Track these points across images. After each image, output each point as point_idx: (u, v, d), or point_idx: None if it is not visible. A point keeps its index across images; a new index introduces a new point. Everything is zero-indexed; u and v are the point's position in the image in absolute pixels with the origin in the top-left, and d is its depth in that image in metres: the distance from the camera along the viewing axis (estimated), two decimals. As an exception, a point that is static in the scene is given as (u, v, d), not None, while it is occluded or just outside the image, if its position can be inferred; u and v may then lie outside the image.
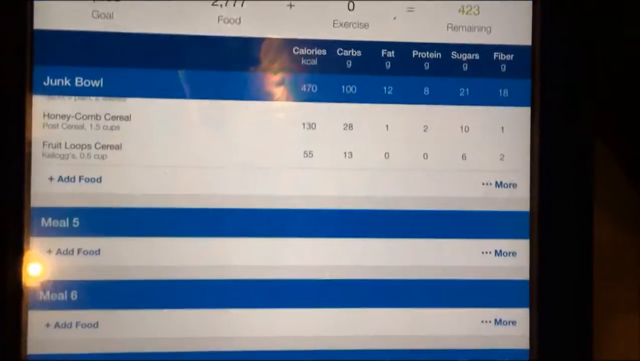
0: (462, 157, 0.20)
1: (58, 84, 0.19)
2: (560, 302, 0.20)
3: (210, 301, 0.19)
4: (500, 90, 0.20)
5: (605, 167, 0.20)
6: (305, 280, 0.19)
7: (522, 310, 0.20)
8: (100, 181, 0.19)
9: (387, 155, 0.20)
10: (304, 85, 0.19)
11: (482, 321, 0.20)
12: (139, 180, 0.19)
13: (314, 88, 0.19)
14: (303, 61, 0.19)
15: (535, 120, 0.20)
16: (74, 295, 0.19)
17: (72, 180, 0.19)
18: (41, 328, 0.19)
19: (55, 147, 0.19)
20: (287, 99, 0.19)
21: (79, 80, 0.19)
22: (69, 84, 0.19)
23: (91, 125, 0.19)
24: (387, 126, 0.20)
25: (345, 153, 0.20)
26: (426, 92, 0.20)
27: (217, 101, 0.19)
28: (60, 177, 0.19)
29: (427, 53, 0.20)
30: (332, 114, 0.20)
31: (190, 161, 0.19)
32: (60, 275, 0.19)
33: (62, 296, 0.19)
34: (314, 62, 0.19)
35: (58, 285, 0.19)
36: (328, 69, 0.19)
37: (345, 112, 0.20)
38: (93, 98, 0.19)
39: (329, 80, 0.19)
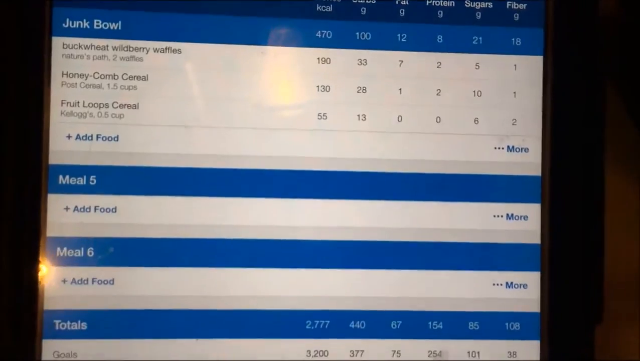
0: (475, 121, 0.20)
1: (77, 25, 0.19)
2: (571, 266, 0.20)
3: (225, 260, 0.19)
4: (513, 39, 0.20)
5: (618, 126, 0.20)
6: (318, 241, 0.20)
7: (533, 273, 0.20)
8: (117, 140, 0.19)
9: (400, 118, 0.20)
10: (319, 32, 0.19)
11: (494, 284, 0.20)
12: (155, 139, 0.19)
13: (329, 34, 0.19)
14: (319, 7, 0.20)
15: (547, 68, 0.20)
16: (90, 252, 0.19)
17: (90, 138, 0.19)
18: (58, 284, 0.19)
19: (73, 106, 0.19)
20: (302, 45, 0.20)
21: (97, 22, 0.19)
22: (88, 26, 0.19)
23: (109, 84, 0.19)
24: (400, 90, 0.20)
25: (358, 115, 0.20)
26: (439, 40, 0.20)
27: (234, 47, 0.19)
28: (78, 135, 0.19)
29: (441, 1, 0.20)
30: (346, 78, 0.20)
31: (206, 121, 0.19)
32: (77, 232, 0.19)
33: (79, 253, 0.19)
34: (329, 8, 0.20)
35: (74, 242, 0.19)
36: (343, 16, 0.20)
37: (358, 75, 0.20)
38: (111, 57, 0.19)
39: (344, 27, 0.20)
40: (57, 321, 0.19)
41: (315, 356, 0.20)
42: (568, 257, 0.20)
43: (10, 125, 0.19)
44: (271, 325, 0.19)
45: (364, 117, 0.20)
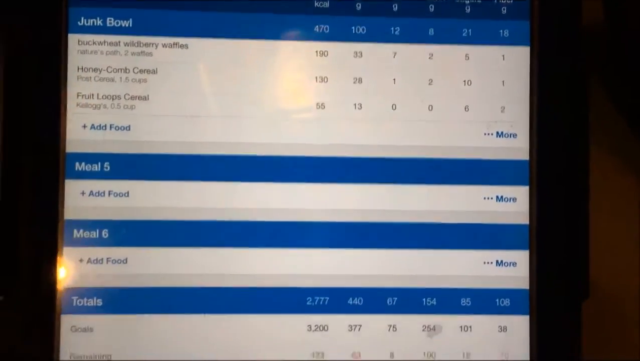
0: (465, 108, 0.21)
1: (91, 23, 0.20)
2: (558, 244, 0.21)
3: (231, 240, 0.21)
4: (501, 31, 0.21)
5: (603, 113, 0.21)
6: (319, 223, 0.21)
7: (523, 252, 0.21)
8: (129, 129, 0.21)
9: (394, 106, 0.21)
10: (317, 26, 0.21)
11: (484, 263, 0.21)
12: (165, 129, 0.21)
13: (326, 28, 0.21)
14: (316, 4, 0.21)
15: (534, 58, 0.21)
16: (104, 234, 0.20)
17: (104, 128, 0.21)
18: (75, 264, 0.20)
19: (88, 98, 0.20)
20: (301, 39, 0.21)
21: (110, 20, 0.20)
22: (101, 24, 0.20)
23: (121, 77, 0.21)
24: (394, 80, 0.21)
25: (355, 105, 0.21)
26: (431, 32, 0.21)
27: (238, 42, 0.21)
28: (93, 125, 0.21)
29: (432, -4, 0.21)
30: (343, 69, 0.21)
31: (212, 111, 0.21)
32: (92, 215, 0.20)
33: (94, 234, 0.20)
34: (326, 4, 0.21)
35: (90, 225, 0.20)
36: (339, 12, 0.21)
37: (354, 67, 0.21)
38: (123, 52, 0.21)
39: (340, 21, 0.21)
40: (74, 298, 0.20)
41: (315, 330, 0.21)
42: (555, 236, 0.21)
43: (30, 116, 0.20)
44: (274, 301, 0.21)
45: (360, 106, 0.21)
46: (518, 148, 0.21)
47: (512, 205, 0.21)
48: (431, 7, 0.21)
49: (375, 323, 0.21)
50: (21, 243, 0.20)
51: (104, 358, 0.20)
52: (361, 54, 0.21)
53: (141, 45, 0.21)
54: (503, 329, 0.21)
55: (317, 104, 0.21)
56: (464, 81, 0.21)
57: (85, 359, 0.20)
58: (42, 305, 0.20)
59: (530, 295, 0.21)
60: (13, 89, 0.20)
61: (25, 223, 0.20)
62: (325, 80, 0.21)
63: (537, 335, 0.21)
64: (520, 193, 0.21)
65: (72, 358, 0.20)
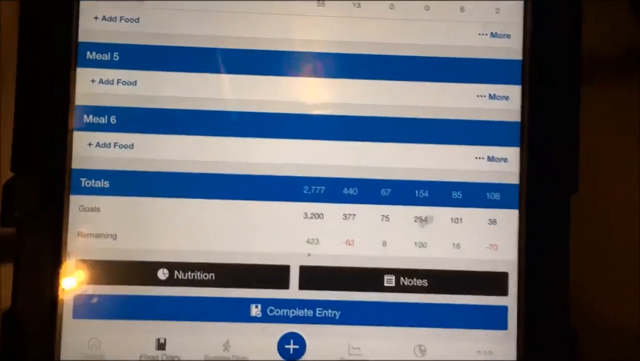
0: (461, 9, 0.22)
1: None
2: (548, 141, 0.22)
3: (234, 130, 0.22)
4: None
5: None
6: (318, 115, 0.22)
7: (513, 148, 0.22)
8: (138, 21, 0.22)
9: (392, 5, 0.22)
10: None
11: (476, 158, 0.22)
12: (174, 22, 0.21)
13: None
14: None
15: None
16: (112, 120, 0.21)
17: (114, 20, 0.22)
18: (84, 147, 0.21)
19: (99, -2, 0.22)
20: None
21: None
22: None
23: (131, -27, 0.22)
24: (393, -20, 0.22)
25: (354, 3, 0.22)
26: None
27: None
28: (104, 16, 0.22)
29: None
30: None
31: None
32: (102, 102, 0.21)
33: (103, 120, 0.21)
34: None
35: (99, 110, 0.21)
36: None
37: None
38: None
39: None
40: (83, 180, 0.21)
41: (311, 218, 0.22)
42: (546, 134, 0.22)
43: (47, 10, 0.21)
44: (272, 189, 0.22)
45: (359, 5, 0.22)
46: (511, 48, 0.22)
47: (504, 102, 0.22)
48: None
49: (368, 212, 0.22)
50: (36, 128, 0.21)
51: (110, 237, 0.21)
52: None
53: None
54: (493, 222, 0.22)
55: (318, 2, 0.22)
56: (460, -17, 0.22)
57: (92, 237, 0.21)
58: (52, 185, 0.21)
59: (520, 190, 0.22)
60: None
61: (38, 111, 0.21)
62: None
63: (525, 228, 0.22)
64: (513, 92, 0.22)
65: (80, 236, 0.21)
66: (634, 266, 0.23)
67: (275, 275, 0.21)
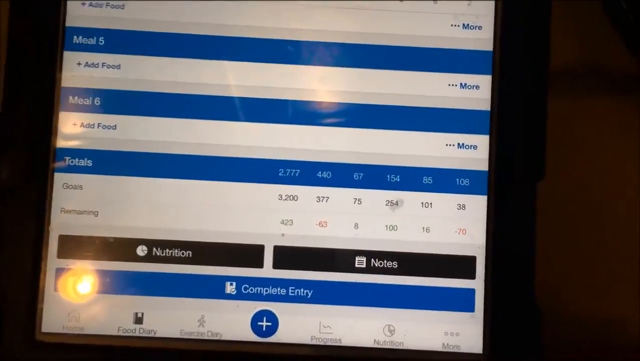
0: (434, 1, 0.23)
1: None
2: (516, 129, 0.22)
3: (212, 113, 0.22)
4: None
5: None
6: (293, 101, 0.23)
7: (483, 136, 0.23)
8: (123, 8, 0.23)
9: (368, -3, 0.23)
10: None
11: (447, 145, 0.23)
12: (157, 8, 0.22)
13: None
14: None
15: None
16: (97, 102, 0.22)
17: (100, 5, 0.22)
18: (70, 127, 0.22)
19: (87, -22, 0.23)
20: None
21: None
22: None
23: (117, -39, 0.23)
24: (369, -27, 0.23)
25: (332, -6, 0.23)
26: None
27: None
28: (91, 3, 0.23)
29: None
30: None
31: None
32: (87, 84, 0.22)
33: (88, 102, 0.22)
34: None
35: (84, 92, 0.22)
36: None
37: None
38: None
39: None
40: (67, 158, 0.22)
41: (286, 199, 0.22)
42: (514, 122, 0.22)
43: None
44: (248, 170, 0.22)
45: (337, -4, 0.23)
46: (482, 39, 0.23)
47: (475, 92, 0.23)
48: None
49: (341, 195, 0.22)
50: (22, 107, 0.22)
51: (91, 214, 0.22)
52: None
53: None
54: (462, 207, 0.22)
55: (301, -6, 0.23)
56: (434, -24, 0.23)
57: (75, 213, 0.22)
58: (37, 162, 0.22)
59: (488, 176, 0.22)
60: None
61: (27, 90, 0.22)
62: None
63: (494, 213, 0.22)
64: (483, 82, 0.23)
65: (63, 212, 0.22)
66: (601, 250, 0.24)
67: (250, 254, 0.22)
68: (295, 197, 0.22)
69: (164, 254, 0.22)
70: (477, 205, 0.22)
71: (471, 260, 0.22)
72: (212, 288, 0.22)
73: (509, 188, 0.22)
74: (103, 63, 0.22)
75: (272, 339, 0.22)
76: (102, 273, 0.22)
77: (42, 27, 0.22)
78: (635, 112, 0.24)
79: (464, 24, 0.23)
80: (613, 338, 0.24)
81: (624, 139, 0.24)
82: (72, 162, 0.22)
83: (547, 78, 0.22)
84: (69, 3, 0.22)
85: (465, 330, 0.22)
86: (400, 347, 0.22)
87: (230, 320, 0.22)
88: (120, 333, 0.22)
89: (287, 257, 0.22)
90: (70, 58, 0.22)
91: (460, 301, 0.22)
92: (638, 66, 0.24)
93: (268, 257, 0.22)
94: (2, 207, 0.22)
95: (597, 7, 0.25)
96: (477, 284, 0.22)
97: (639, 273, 0.24)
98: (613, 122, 0.24)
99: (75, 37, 0.22)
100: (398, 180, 0.22)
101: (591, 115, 0.24)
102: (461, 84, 0.23)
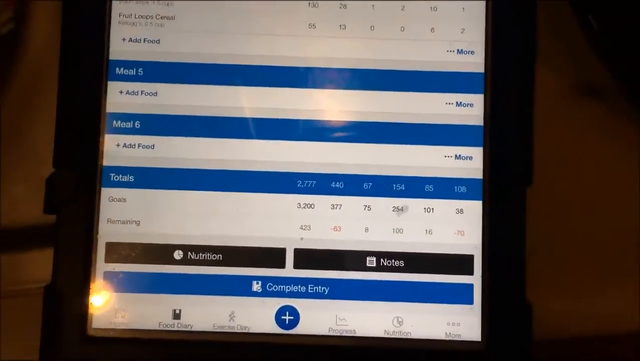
0: (431, 30, 0.26)
1: None
2: (507, 141, 0.25)
3: (238, 132, 0.25)
4: None
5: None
6: (309, 120, 0.26)
7: (477, 148, 0.25)
8: (159, 42, 0.26)
9: (372, 27, 0.26)
10: None
11: (445, 156, 0.25)
12: (191, 42, 0.26)
13: None
14: None
15: None
16: (136, 125, 0.25)
17: (139, 41, 0.26)
18: (113, 147, 0.25)
19: (127, 17, 0.26)
20: None
21: None
22: None
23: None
24: (372, 6, 0.26)
25: (340, 25, 0.26)
26: None
27: None
28: (130, 38, 0.26)
29: None
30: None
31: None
32: (127, 110, 0.25)
33: (129, 125, 0.25)
34: None
35: (125, 117, 0.25)
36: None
37: (341, -3, 0.26)
38: (155, -19, 0.26)
39: None
40: (112, 175, 0.25)
41: (304, 207, 0.25)
42: (504, 135, 0.25)
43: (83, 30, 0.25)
44: (270, 183, 0.25)
45: (345, 27, 0.26)
46: (475, 62, 0.26)
47: (469, 109, 0.26)
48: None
49: (353, 203, 0.25)
50: (74, 131, 0.25)
51: (134, 223, 0.25)
52: (346, -14, 0.26)
53: (170, -24, 0.26)
54: (460, 211, 0.25)
55: (309, 24, 0.26)
56: (430, 7, 0.26)
57: (119, 223, 0.25)
58: (86, 179, 0.25)
59: (483, 184, 0.25)
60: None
61: (78, 116, 0.25)
62: (316, 5, 0.26)
63: (488, 216, 0.25)
64: (477, 100, 0.26)
65: (109, 222, 0.25)
66: (588, 249, 0.27)
67: (273, 256, 0.25)
68: (312, 205, 0.25)
69: (197, 257, 0.25)
70: (474, 209, 0.25)
71: (469, 258, 0.25)
72: (240, 287, 0.25)
73: (501, 194, 0.25)
74: (142, 91, 0.26)
75: (294, 331, 0.25)
76: (144, 275, 0.25)
77: (90, 61, 0.25)
78: (618, 118, 0.27)
79: (458, 49, 0.26)
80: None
81: (608, 144, 0.27)
82: (116, 178, 0.25)
83: (534, 95, 0.25)
84: (112, 40, 0.26)
85: (465, 320, 0.25)
86: (408, 336, 0.25)
87: (257, 315, 0.25)
88: (161, 328, 0.25)
89: (306, 258, 0.25)
90: (113, 87, 0.26)
91: (460, 295, 0.25)
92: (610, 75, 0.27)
93: (289, 258, 0.25)
94: (58, 219, 0.25)
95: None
96: (475, 280, 0.25)
97: (625, 272, 0.27)
98: (597, 128, 0.27)
99: (117, 68, 0.26)
100: (403, 188, 0.25)
101: (575, 122, 0.27)
102: (457, 102, 0.26)
